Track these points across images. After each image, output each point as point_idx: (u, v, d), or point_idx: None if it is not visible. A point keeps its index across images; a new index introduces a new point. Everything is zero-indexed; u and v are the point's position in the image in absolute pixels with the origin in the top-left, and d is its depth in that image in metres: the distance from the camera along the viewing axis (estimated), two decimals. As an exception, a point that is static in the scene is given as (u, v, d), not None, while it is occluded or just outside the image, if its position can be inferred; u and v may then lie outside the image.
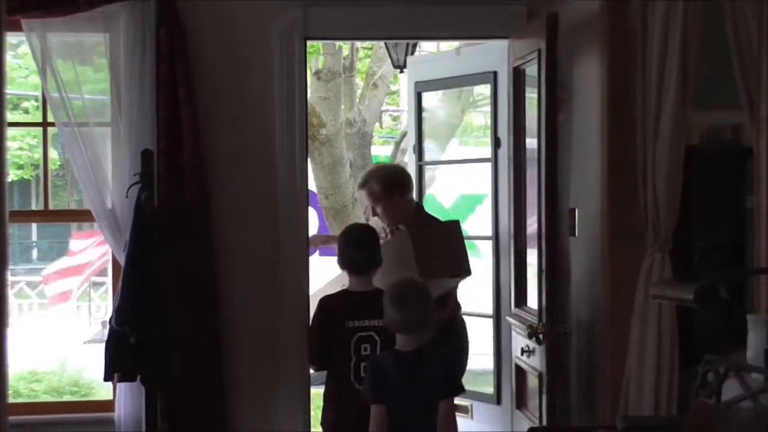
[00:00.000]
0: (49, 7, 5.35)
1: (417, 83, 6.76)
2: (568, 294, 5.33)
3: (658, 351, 4.31)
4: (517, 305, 5.68)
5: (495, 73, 6.08)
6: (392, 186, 5.81)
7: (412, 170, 6.66)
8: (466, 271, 5.63)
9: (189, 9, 5.48)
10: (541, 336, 5.01)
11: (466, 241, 5.74)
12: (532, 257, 5.49)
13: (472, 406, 6.20)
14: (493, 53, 6.05)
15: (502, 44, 5.83)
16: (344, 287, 5.20)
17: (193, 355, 5.31)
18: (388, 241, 5.69)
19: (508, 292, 5.84)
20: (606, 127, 4.78)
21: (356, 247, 5.02)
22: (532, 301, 5.40)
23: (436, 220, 5.94)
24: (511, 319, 5.69)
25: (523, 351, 5.39)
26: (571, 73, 5.32)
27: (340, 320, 4.90)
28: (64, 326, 12.74)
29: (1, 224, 1.60)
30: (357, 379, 4.86)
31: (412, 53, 8.81)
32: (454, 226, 5.74)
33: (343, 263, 5.05)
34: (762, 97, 3.50)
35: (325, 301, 5.12)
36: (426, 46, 11.77)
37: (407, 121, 6.85)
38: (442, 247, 5.54)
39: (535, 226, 5.26)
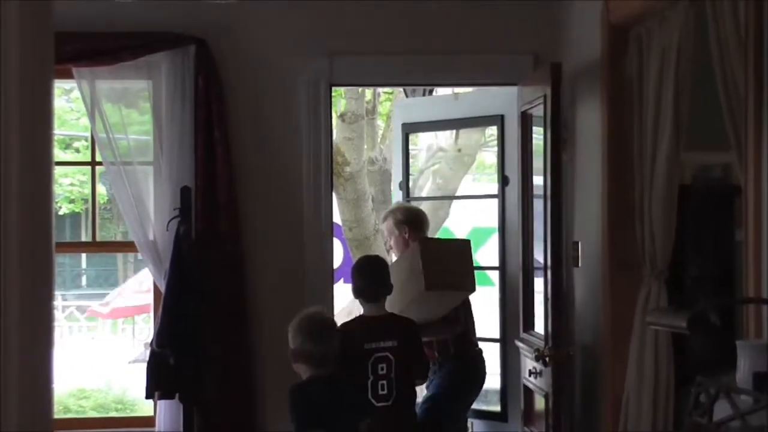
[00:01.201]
0: (98, 58, 5.39)
1: (404, 125, 6.67)
2: (572, 320, 5.30)
3: (655, 373, 4.28)
4: (525, 330, 5.66)
5: (502, 117, 6.08)
6: (404, 223, 5.86)
7: None
8: (469, 288, 5.55)
9: (224, 58, 5.51)
10: (547, 359, 4.99)
11: (477, 270, 5.72)
12: (538, 286, 5.47)
13: (472, 424, 6.18)
14: (497, 98, 6.07)
15: (506, 90, 5.84)
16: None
17: (226, 374, 5.31)
18: (403, 254, 5.71)
19: (514, 318, 5.83)
20: (606, 167, 4.77)
21: (368, 277, 5.02)
22: (539, 326, 5.38)
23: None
24: (519, 343, 5.66)
25: (530, 373, 5.36)
26: (574, 116, 5.32)
27: (359, 344, 4.89)
28: (110, 347, 12.76)
29: (48, 252, 1.60)
30: (374, 396, 4.86)
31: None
32: (464, 244, 5.71)
33: (357, 292, 5.04)
34: (749, 138, 3.48)
35: (345, 327, 5.13)
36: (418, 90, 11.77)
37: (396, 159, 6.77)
38: (450, 260, 5.46)
39: (542, 257, 5.25)
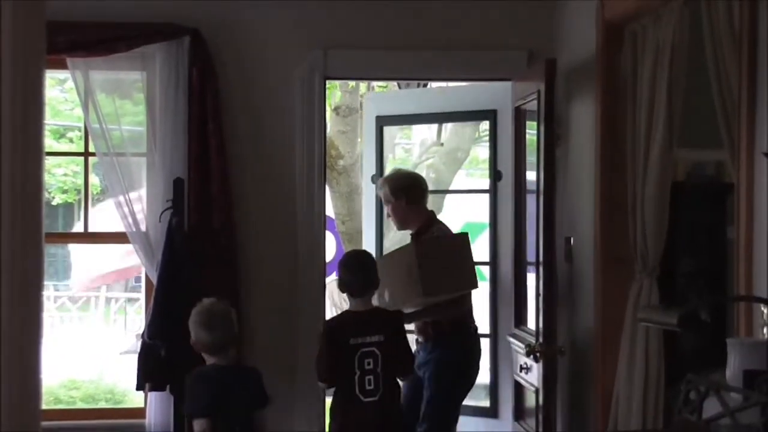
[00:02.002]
0: (92, 48, 5.38)
1: (378, 117, 6.52)
2: (564, 315, 5.30)
3: (646, 369, 4.29)
4: (516, 325, 5.66)
5: (495, 111, 6.08)
6: (401, 190, 5.60)
7: (371, 199, 6.50)
8: (469, 286, 5.40)
9: (218, 50, 5.51)
10: (538, 354, 4.99)
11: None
12: (530, 281, 5.48)
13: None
14: (486, 92, 6.07)
15: (497, 85, 5.86)
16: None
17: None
18: (392, 254, 5.60)
19: (506, 314, 5.83)
20: (599, 163, 4.78)
21: (354, 272, 4.98)
22: (531, 321, 5.38)
23: (446, 233, 5.62)
24: (510, 339, 5.67)
25: (521, 368, 5.37)
26: (568, 112, 5.32)
27: (344, 338, 4.88)
28: (101, 338, 12.75)
29: (38, 244, 1.60)
30: (362, 392, 4.85)
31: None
32: (461, 240, 5.44)
33: (344, 286, 5.02)
34: (741, 136, 3.49)
35: (330, 322, 5.13)
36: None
37: (368, 153, 6.55)
38: (447, 261, 5.27)
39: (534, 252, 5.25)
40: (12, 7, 1.56)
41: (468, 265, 5.34)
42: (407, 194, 5.59)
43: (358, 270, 4.98)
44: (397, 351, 4.92)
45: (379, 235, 6.43)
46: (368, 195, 6.60)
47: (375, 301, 5.07)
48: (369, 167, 6.57)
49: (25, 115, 1.55)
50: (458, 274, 5.29)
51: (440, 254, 5.30)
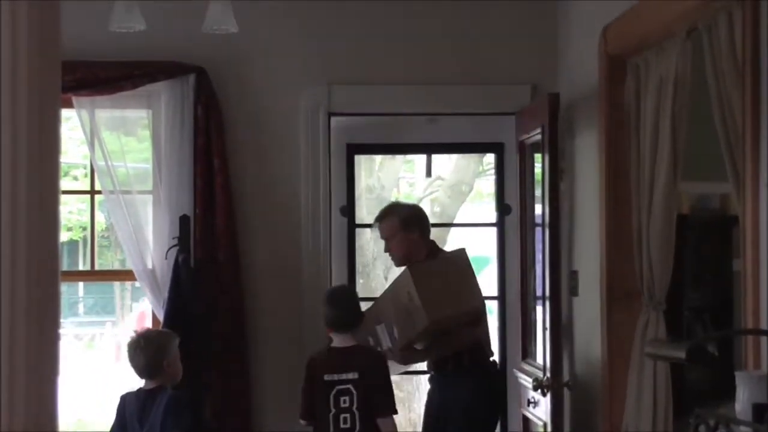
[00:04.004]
0: (98, 87, 5.42)
1: (349, 145, 6.15)
2: (571, 349, 5.31)
3: (654, 403, 4.28)
4: (523, 359, 5.66)
5: (502, 144, 6.10)
6: (414, 222, 5.33)
7: (343, 233, 6.10)
8: (474, 302, 5.09)
9: (223, 87, 5.55)
10: (545, 388, 4.99)
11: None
12: (537, 314, 5.49)
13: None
14: (485, 125, 6.07)
15: (496, 118, 5.87)
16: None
17: (225, 403, 5.30)
18: (388, 289, 5.34)
19: (514, 348, 5.83)
20: (604, 196, 4.79)
21: (335, 307, 4.93)
22: (538, 355, 5.39)
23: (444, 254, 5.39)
24: (517, 372, 5.66)
25: (528, 402, 5.37)
26: (573, 145, 5.34)
27: (319, 375, 4.86)
28: (108, 375, 12.72)
29: (54, 282, 1.62)
30: (336, 429, 4.81)
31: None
32: (458, 257, 5.17)
33: (327, 322, 5.00)
34: (746, 169, 3.50)
35: (310, 359, 5.04)
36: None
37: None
38: (447, 281, 5.01)
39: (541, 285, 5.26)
40: (27, 46, 1.59)
41: (469, 281, 5.11)
42: (420, 226, 5.37)
43: (338, 305, 4.94)
44: (375, 389, 4.83)
45: (350, 271, 6.11)
46: (337, 229, 6.01)
47: (383, 333, 5.02)
48: (339, 199, 6.03)
49: (42, 154, 1.58)
50: (460, 290, 5.06)
51: (437, 274, 5.07)
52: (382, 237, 5.40)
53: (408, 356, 5.18)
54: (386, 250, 5.40)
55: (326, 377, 4.83)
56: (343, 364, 4.86)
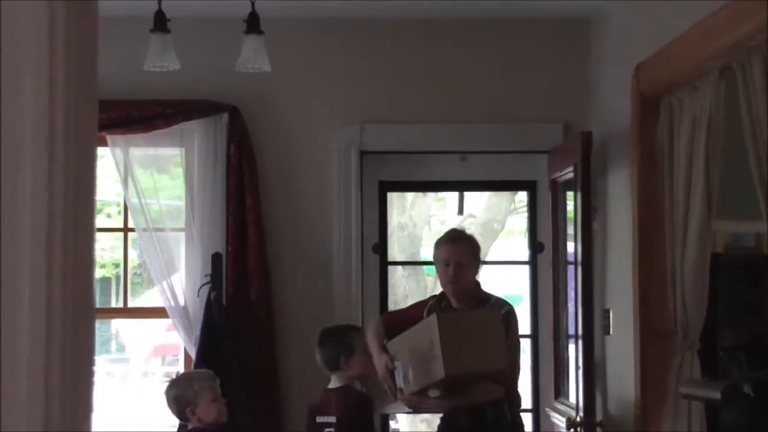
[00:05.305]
0: (132, 126, 5.46)
1: (381, 183, 5.99)
2: (604, 388, 5.27)
3: (688, 444, 4.24)
4: (556, 398, 5.63)
5: (535, 183, 6.10)
6: (479, 252, 5.02)
7: (375, 270, 5.94)
8: (496, 364, 4.64)
9: (256, 126, 5.59)
10: (579, 428, 4.96)
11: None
12: (570, 353, 5.46)
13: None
14: (513, 163, 6.05)
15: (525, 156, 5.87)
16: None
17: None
18: (411, 331, 4.87)
19: (547, 387, 5.79)
20: (637, 235, 4.77)
21: (322, 347, 4.85)
22: (571, 394, 5.35)
23: (486, 302, 4.95)
24: (550, 411, 5.63)
25: (561, 442, 5.33)
26: (605, 183, 5.33)
27: (313, 416, 4.82)
28: (140, 413, 12.74)
29: (90, 319, 1.63)
30: None
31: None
32: (491, 315, 4.77)
33: (320, 362, 4.94)
34: (781, 209, 3.49)
35: (309, 399, 4.99)
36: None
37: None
38: (473, 337, 4.62)
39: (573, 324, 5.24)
40: (65, 83, 1.60)
41: (496, 342, 4.67)
42: (480, 260, 5.03)
43: (325, 345, 4.85)
44: None
45: (382, 308, 5.93)
46: (369, 266, 5.92)
47: (398, 373, 4.82)
48: (371, 237, 5.92)
49: (78, 192, 1.59)
50: (485, 350, 4.64)
51: (465, 328, 4.69)
52: (453, 259, 4.88)
53: (419, 402, 4.84)
54: (453, 275, 4.88)
55: (318, 419, 4.80)
56: (329, 406, 4.81)
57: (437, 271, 5.01)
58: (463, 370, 4.61)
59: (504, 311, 4.80)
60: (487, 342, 4.65)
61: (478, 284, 4.99)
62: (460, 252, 4.90)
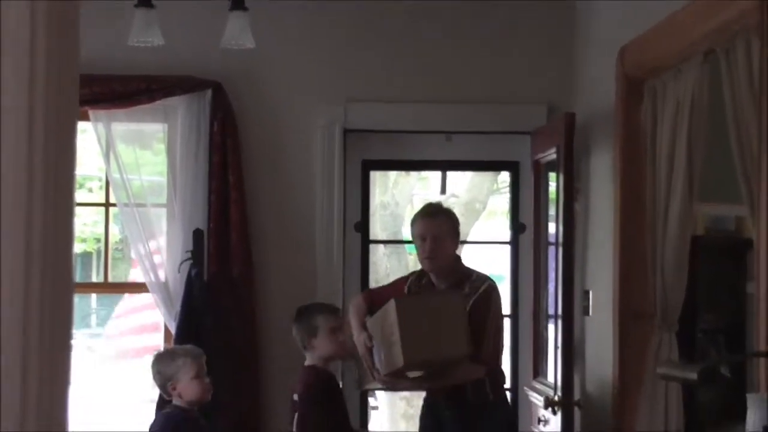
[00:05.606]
0: (115, 101, 5.44)
1: (364, 162, 5.98)
2: (582, 368, 5.30)
3: (665, 424, 4.27)
4: (534, 377, 5.66)
5: (518, 163, 6.10)
6: (458, 228, 4.90)
7: (356, 249, 5.92)
8: (459, 350, 4.48)
9: (240, 103, 5.57)
10: (556, 407, 4.98)
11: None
12: (549, 333, 5.48)
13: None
14: (498, 144, 6.05)
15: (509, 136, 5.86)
16: None
17: (235, 419, 5.29)
18: (377, 314, 4.80)
19: (526, 367, 5.82)
20: (618, 217, 4.79)
21: (294, 326, 4.86)
22: (549, 374, 5.38)
23: (468, 278, 4.79)
24: (528, 390, 5.66)
25: (539, 420, 5.35)
26: (588, 165, 5.34)
27: (291, 394, 4.85)
28: (119, 388, 12.74)
29: (68, 294, 1.63)
30: None
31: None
32: (452, 301, 4.59)
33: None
34: (761, 192, 3.50)
35: None
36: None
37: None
38: (435, 323, 4.48)
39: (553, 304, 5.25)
40: (46, 59, 1.60)
41: (458, 328, 4.49)
42: (459, 235, 4.92)
43: (295, 325, 4.87)
44: (299, 414, 4.77)
45: (363, 286, 5.88)
46: (351, 244, 5.90)
47: (376, 352, 4.79)
48: (353, 215, 5.91)
49: (58, 166, 1.59)
50: (447, 336, 4.48)
51: (425, 313, 4.53)
52: (429, 234, 4.76)
53: (396, 383, 4.79)
54: (430, 250, 4.75)
55: (294, 396, 4.82)
56: (296, 384, 4.85)
57: (415, 247, 4.90)
58: (423, 357, 4.47)
59: (485, 286, 4.70)
60: (448, 328, 4.49)
61: (458, 259, 4.88)
62: (436, 226, 4.77)
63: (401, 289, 4.95)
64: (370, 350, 4.67)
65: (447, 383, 4.70)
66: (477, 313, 4.61)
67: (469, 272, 4.84)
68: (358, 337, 4.74)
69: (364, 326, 4.75)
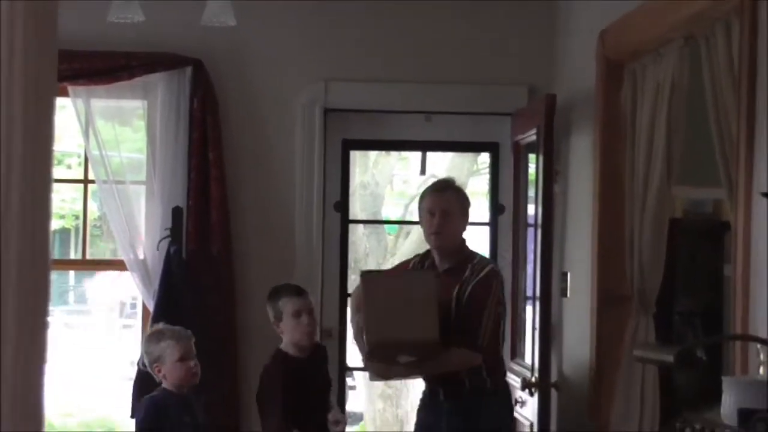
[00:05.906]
0: (94, 77, 5.41)
1: (344, 141, 5.93)
2: (560, 350, 5.32)
3: (641, 406, 4.30)
4: (512, 358, 5.67)
5: (497, 144, 6.10)
6: (468, 208, 4.68)
7: (336, 228, 5.90)
8: (430, 339, 4.28)
9: (220, 80, 5.55)
10: (533, 388, 5.00)
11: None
12: (527, 314, 5.50)
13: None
14: (479, 125, 6.05)
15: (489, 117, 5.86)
16: None
17: (213, 397, 5.28)
18: (355, 290, 4.69)
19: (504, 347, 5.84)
20: (597, 199, 4.80)
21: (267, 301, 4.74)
22: (527, 355, 5.40)
23: (471, 260, 4.56)
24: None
25: (516, 402, 5.37)
26: (568, 147, 5.35)
27: None
28: (96, 364, 12.73)
29: (45, 270, 1.62)
30: None
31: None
32: (423, 282, 4.43)
33: None
34: (740, 175, 3.51)
35: None
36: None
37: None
38: (401, 303, 4.30)
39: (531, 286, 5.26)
40: (24, 34, 1.59)
41: (427, 310, 4.28)
42: (469, 213, 4.69)
43: (266, 306, 4.73)
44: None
45: (342, 266, 5.93)
46: (331, 224, 5.88)
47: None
48: (333, 194, 5.87)
49: (36, 142, 1.58)
50: (414, 319, 4.27)
51: (392, 294, 4.37)
52: (438, 208, 4.54)
53: (387, 371, 4.61)
54: (438, 225, 4.52)
55: None
56: None
57: (421, 223, 4.66)
58: (387, 336, 4.31)
59: (486, 270, 4.48)
60: (419, 309, 4.29)
61: (464, 241, 4.63)
62: (446, 201, 4.55)
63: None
64: (361, 333, 4.48)
65: (441, 370, 4.48)
66: (476, 296, 4.43)
67: (473, 255, 4.63)
68: (351, 319, 4.68)
69: (358, 308, 4.57)
